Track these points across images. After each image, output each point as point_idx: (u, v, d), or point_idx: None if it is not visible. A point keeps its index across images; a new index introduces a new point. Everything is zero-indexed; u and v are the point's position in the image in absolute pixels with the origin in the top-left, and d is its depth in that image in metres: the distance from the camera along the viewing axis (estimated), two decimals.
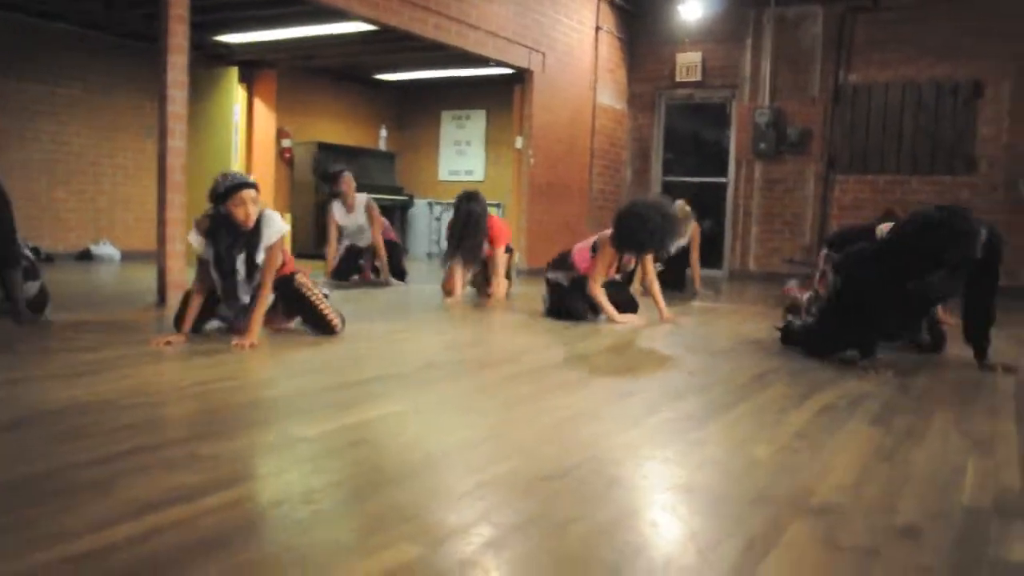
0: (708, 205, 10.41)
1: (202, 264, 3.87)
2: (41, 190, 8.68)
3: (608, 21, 10.05)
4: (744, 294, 8.05)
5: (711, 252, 10.32)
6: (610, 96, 10.26)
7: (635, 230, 4.87)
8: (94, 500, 1.72)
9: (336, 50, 9.45)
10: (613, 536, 1.64)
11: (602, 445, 2.32)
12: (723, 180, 10.34)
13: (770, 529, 1.69)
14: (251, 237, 3.79)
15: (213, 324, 4.05)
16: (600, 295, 5.10)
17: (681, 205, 7.29)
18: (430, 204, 11.80)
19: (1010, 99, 8.81)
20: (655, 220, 4.86)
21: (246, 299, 3.90)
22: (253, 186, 3.81)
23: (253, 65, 9.91)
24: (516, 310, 5.82)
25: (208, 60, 9.27)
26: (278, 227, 3.87)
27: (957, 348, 4.11)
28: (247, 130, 9.90)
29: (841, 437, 2.48)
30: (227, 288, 3.86)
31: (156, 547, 1.49)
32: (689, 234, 7.37)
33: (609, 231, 5.06)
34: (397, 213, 11.46)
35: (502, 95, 10.91)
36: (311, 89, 11.14)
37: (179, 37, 5.24)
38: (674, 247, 6.65)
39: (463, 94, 11.83)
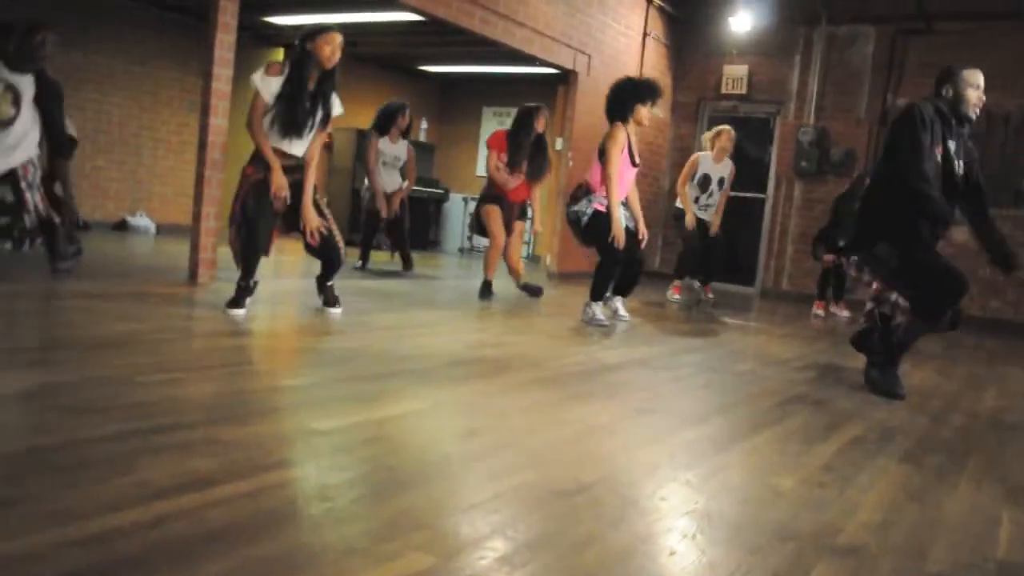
0: (744, 219, 10.31)
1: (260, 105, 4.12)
2: (84, 157, 8.73)
3: (656, 27, 9.96)
4: (775, 314, 7.93)
5: (744, 268, 10.23)
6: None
7: (618, 91, 5.37)
8: (104, 479, 1.70)
9: (382, 38, 9.45)
10: (629, 563, 1.59)
11: (619, 462, 2.27)
12: (761, 196, 10.20)
13: (794, 567, 1.63)
14: (326, 78, 4.21)
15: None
16: (613, 181, 5.18)
17: (728, 130, 7.42)
18: (465, 200, 11.76)
19: None
20: (627, 80, 5.53)
21: (300, 149, 4.25)
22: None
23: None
24: (544, 312, 5.77)
25: (255, 40, 9.32)
26: (339, 105, 4.36)
27: (992, 392, 4.00)
28: None
29: (869, 473, 2.40)
30: (290, 122, 4.11)
31: (163, 536, 1.46)
32: (728, 170, 7.41)
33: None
34: (432, 206, 11.45)
35: (545, 94, 10.84)
36: (355, 76, 11.11)
37: (228, 15, 5.24)
38: (712, 184, 7.25)
39: (506, 91, 11.77)
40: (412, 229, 10.96)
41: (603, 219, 5.19)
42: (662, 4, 9.88)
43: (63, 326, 3.44)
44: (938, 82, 3.78)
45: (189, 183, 9.76)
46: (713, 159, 7.39)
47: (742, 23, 9.69)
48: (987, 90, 3.91)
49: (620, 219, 5.18)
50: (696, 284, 7.68)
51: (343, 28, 4.37)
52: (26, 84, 4.49)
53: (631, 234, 5.32)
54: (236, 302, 4.15)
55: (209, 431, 2.12)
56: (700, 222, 7.36)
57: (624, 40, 9.36)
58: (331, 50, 4.16)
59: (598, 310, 5.30)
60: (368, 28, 8.74)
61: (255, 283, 4.22)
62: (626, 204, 5.47)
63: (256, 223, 4.09)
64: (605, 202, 5.21)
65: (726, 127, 7.50)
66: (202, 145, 5.24)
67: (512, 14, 7.57)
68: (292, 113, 4.12)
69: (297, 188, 4.27)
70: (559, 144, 8.85)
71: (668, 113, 10.54)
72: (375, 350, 3.60)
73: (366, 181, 7.41)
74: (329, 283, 4.56)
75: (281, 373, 3.11)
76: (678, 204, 7.51)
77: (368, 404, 2.61)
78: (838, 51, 9.65)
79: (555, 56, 8.29)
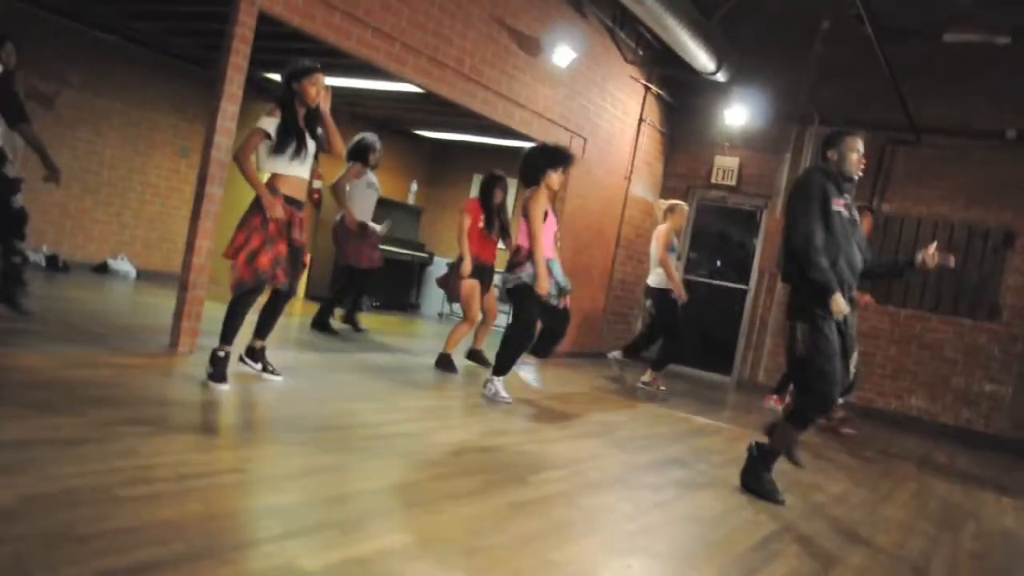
0: (724, 309, 10.38)
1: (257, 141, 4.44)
2: (70, 197, 8.67)
3: (652, 114, 10.12)
4: (749, 410, 7.91)
5: (721, 358, 10.27)
6: (643, 188, 10.28)
7: (529, 159, 5.67)
8: None
9: (380, 103, 9.51)
10: None
11: None
12: (744, 287, 10.30)
13: None
14: (312, 114, 4.58)
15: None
16: (540, 247, 5.39)
17: (684, 206, 7.68)
18: (449, 264, 11.72)
19: None
20: (540, 146, 5.83)
21: (305, 172, 4.62)
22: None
23: None
24: (532, 398, 5.73)
25: (252, 93, 9.32)
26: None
27: (970, 530, 3.99)
28: None
29: None
30: (293, 142, 4.45)
31: None
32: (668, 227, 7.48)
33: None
34: (416, 269, 11.42)
35: None
36: (347, 135, 11.16)
37: (235, 86, 5.24)
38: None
39: (497, 159, 11.81)
40: (394, 291, 11.00)
41: (531, 288, 5.42)
42: (660, 92, 10.04)
43: (39, 408, 3.34)
44: (824, 147, 4.15)
45: (174, 229, 9.78)
46: (672, 231, 7.51)
47: (736, 116, 9.87)
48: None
49: (548, 277, 5.43)
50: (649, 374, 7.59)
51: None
52: None
53: (556, 297, 5.57)
54: (221, 376, 4.28)
55: (193, 570, 2.05)
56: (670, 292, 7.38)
57: (620, 125, 9.49)
58: (316, 90, 4.52)
59: (502, 387, 5.48)
60: (368, 93, 8.79)
61: (229, 353, 4.38)
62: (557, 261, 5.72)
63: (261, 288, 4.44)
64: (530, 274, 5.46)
65: (681, 203, 7.70)
66: (195, 215, 5.19)
67: (513, 96, 7.65)
68: (292, 135, 4.46)
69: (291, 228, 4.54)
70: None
71: (657, 198, 10.65)
72: (360, 455, 3.53)
73: (337, 216, 7.52)
74: (263, 343, 4.77)
75: (265, 486, 3.02)
76: (651, 282, 7.50)
77: (355, 533, 2.55)
78: None
79: (553, 138, 8.34)
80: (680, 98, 10.44)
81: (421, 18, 6.45)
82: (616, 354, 7.75)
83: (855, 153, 4.06)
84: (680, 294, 7.32)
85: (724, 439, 5.79)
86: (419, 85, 6.80)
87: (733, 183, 10.31)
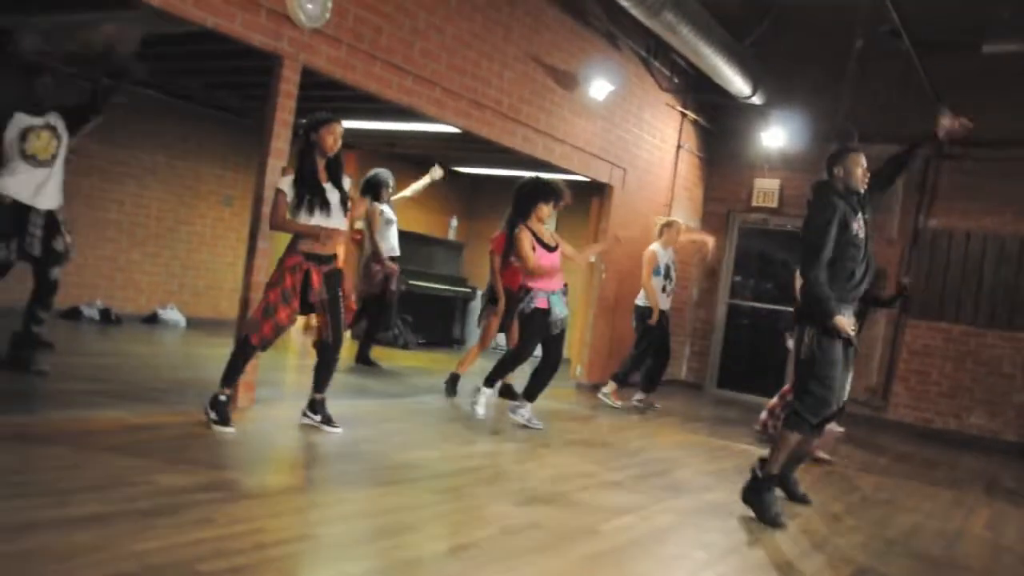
0: (771, 332, 10.25)
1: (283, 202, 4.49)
2: (119, 251, 8.85)
3: (690, 140, 10.09)
4: None
5: (773, 382, 10.14)
6: (684, 214, 10.21)
7: (520, 193, 5.86)
8: None
9: (419, 142, 9.60)
10: None
11: None
12: (789, 309, 10.15)
13: None
14: (334, 162, 4.61)
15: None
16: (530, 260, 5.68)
17: (679, 223, 7.99)
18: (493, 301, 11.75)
19: None
20: (531, 180, 5.97)
21: (336, 223, 4.58)
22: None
23: None
24: (586, 436, 5.68)
25: (293, 139, 9.47)
26: (349, 182, 4.74)
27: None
28: None
29: None
30: (314, 196, 4.48)
31: None
32: (673, 256, 7.83)
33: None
34: (459, 304, 11.44)
35: (574, 196, 10.94)
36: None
37: (281, 140, 5.28)
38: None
39: None
40: (433, 325, 11.06)
41: (538, 316, 5.70)
42: (696, 118, 10.02)
43: (112, 477, 3.38)
44: (829, 164, 4.35)
45: (222, 277, 9.92)
46: (663, 247, 7.78)
47: (774, 138, 9.80)
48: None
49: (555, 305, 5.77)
50: (640, 396, 7.89)
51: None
52: (56, 120, 5.14)
53: (558, 329, 5.83)
54: (224, 419, 4.38)
55: None
56: (662, 315, 7.66)
57: (659, 153, 9.48)
58: (333, 140, 4.56)
59: (483, 401, 5.84)
60: (407, 133, 8.88)
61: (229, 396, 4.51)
62: (565, 291, 5.98)
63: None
64: (544, 296, 5.72)
65: (677, 220, 7.98)
66: (248, 270, 5.23)
67: (552, 131, 7.68)
68: (311, 188, 4.49)
69: (332, 279, 4.62)
70: (592, 257, 8.85)
71: (699, 223, 10.59)
72: (425, 510, 3.52)
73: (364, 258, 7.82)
74: (322, 395, 4.79)
75: (339, 552, 3.02)
76: (639, 302, 7.73)
77: None
78: (870, 170, 9.71)
79: (593, 171, 8.38)
80: (717, 123, 10.40)
81: (459, 62, 6.50)
82: (639, 397, 7.91)
83: (859, 168, 4.30)
84: (653, 319, 7.62)
85: None
86: (461, 127, 6.85)
87: (775, 205, 10.23)
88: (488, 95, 6.85)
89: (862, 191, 4.33)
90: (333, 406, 4.96)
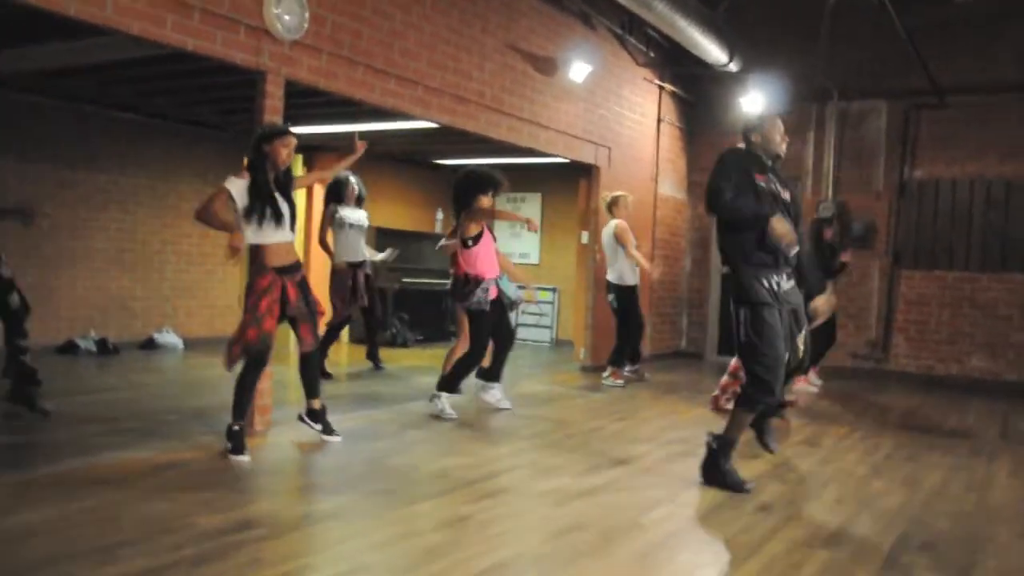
0: None
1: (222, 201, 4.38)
2: (109, 279, 8.73)
3: (670, 112, 10.07)
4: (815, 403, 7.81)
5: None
6: (671, 186, 10.22)
7: (459, 186, 5.90)
8: None
9: (400, 140, 9.50)
10: None
11: None
12: None
13: None
14: (285, 175, 4.51)
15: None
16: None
17: (627, 196, 7.88)
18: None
19: None
20: (469, 172, 5.96)
21: (289, 236, 4.50)
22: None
23: (315, 148, 9.99)
24: (611, 419, 5.68)
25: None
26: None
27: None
28: (306, 211, 9.94)
29: None
30: (272, 210, 4.39)
31: None
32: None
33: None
34: (451, 297, 11.38)
35: (559, 178, 10.93)
36: (370, 173, 11.17)
37: None
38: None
39: (519, 177, 11.79)
40: (430, 320, 11.01)
41: (494, 304, 5.83)
42: (675, 90, 9.99)
43: (151, 525, 3.33)
44: (747, 131, 4.36)
45: (214, 295, 9.82)
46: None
47: (754, 103, 9.76)
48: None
49: (494, 290, 5.88)
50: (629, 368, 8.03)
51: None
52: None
53: (503, 306, 6.00)
54: (239, 449, 4.36)
55: None
56: (633, 288, 7.75)
57: (640, 128, 9.45)
58: (287, 153, 4.48)
59: (447, 404, 5.78)
60: (390, 132, 8.78)
61: (243, 427, 4.45)
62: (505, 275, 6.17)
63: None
64: (492, 285, 5.84)
65: (623, 194, 7.89)
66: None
67: (536, 118, 7.63)
68: (259, 199, 4.38)
69: (303, 287, 4.60)
70: (584, 238, 8.85)
71: (685, 194, 10.59)
72: (464, 524, 3.50)
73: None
74: (320, 402, 4.81)
75: None
76: (610, 278, 7.74)
77: None
78: (852, 127, 9.75)
79: (579, 153, 8.35)
80: (696, 93, 10.38)
81: (439, 57, 6.43)
82: (630, 368, 8.07)
83: (778, 133, 4.28)
84: (653, 272, 8.24)
85: (802, 439, 5.72)
86: (445, 124, 6.78)
87: None
88: (470, 88, 6.79)
89: (781, 155, 4.33)
90: (348, 419, 4.93)
